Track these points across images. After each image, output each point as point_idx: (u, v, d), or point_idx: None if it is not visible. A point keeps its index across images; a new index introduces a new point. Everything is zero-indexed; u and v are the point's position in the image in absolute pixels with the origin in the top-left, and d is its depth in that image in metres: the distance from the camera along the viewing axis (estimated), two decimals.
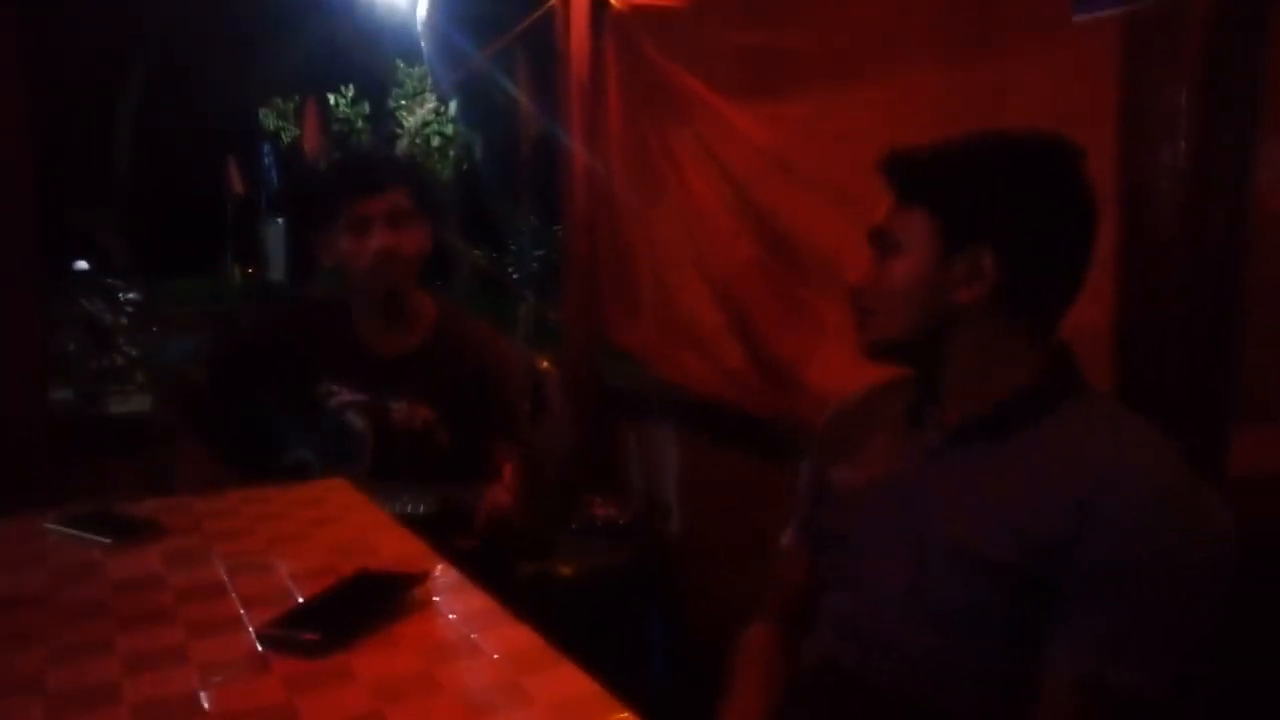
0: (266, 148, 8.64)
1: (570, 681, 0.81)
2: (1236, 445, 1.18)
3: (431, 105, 7.77)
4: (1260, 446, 1.21)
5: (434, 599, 1.00)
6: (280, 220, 8.40)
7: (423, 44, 3.53)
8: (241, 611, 0.97)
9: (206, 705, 0.77)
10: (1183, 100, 1.15)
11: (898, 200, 1.06)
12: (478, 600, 1.00)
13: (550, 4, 2.69)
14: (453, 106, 7.62)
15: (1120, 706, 0.88)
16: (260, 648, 0.88)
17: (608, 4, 2.57)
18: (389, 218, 1.67)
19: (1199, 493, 0.93)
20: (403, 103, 7.88)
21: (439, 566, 1.10)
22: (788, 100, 1.93)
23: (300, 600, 0.99)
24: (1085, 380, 1.04)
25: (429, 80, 7.56)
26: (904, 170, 1.06)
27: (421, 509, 1.53)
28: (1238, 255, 1.19)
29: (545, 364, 2.27)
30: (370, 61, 7.46)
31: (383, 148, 7.01)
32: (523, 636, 0.90)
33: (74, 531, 1.22)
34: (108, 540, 1.19)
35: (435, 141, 7.88)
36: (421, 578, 1.00)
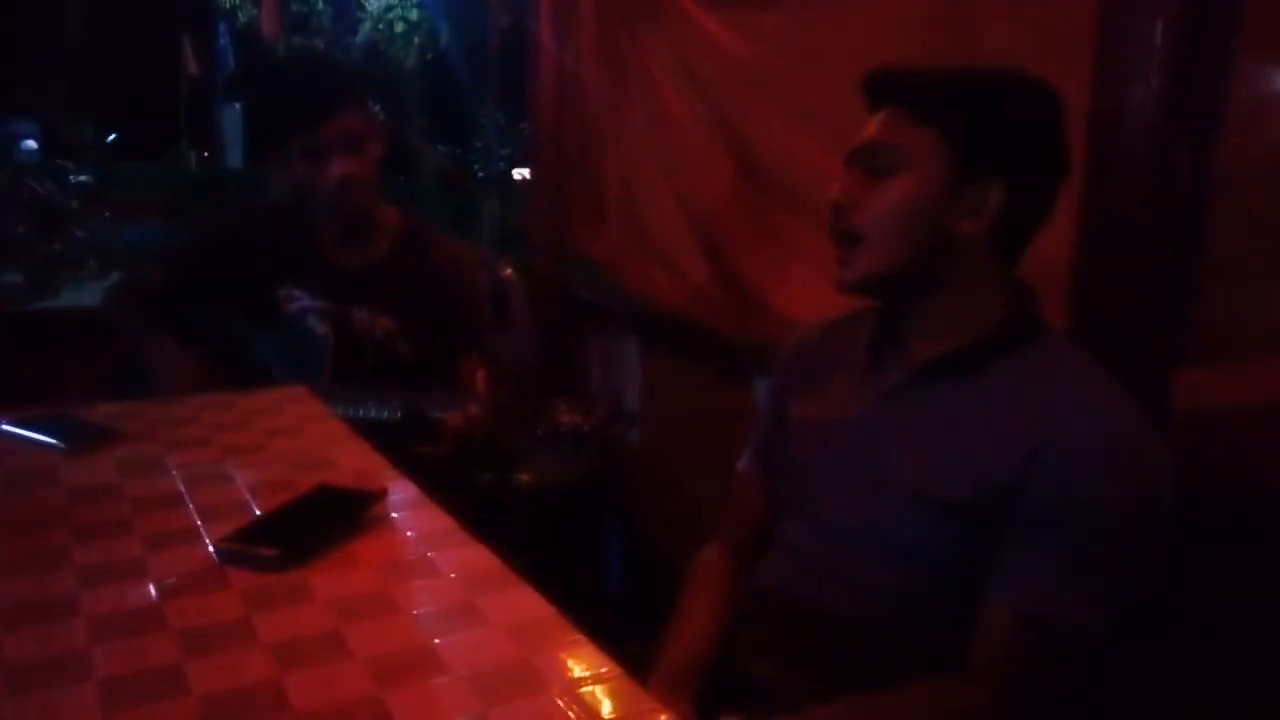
0: (223, 27, 8.30)
1: (525, 604, 0.83)
2: (1181, 384, 1.21)
3: None
4: (1205, 385, 1.24)
5: (392, 516, 1.01)
6: (236, 105, 8.12)
7: None
8: (199, 523, 0.97)
9: (166, 620, 0.78)
10: (1158, 36, 1.14)
11: (898, 117, 1.02)
12: (436, 518, 1.01)
13: None
14: None
15: (1059, 643, 0.92)
16: (219, 561, 0.88)
17: None
18: (343, 142, 1.60)
19: (1145, 440, 0.95)
20: None
21: (398, 482, 1.11)
22: (761, 10, 1.88)
23: (258, 514, 0.99)
24: (1046, 321, 1.06)
25: None
26: (911, 86, 1.03)
27: (385, 415, 1.53)
28: (1201, 196, 1.20)
29: (509, 271, 2.26)
30: None
31: (328, 57, 6.70)
32: (480, 557, 0.92)
33: (28, 434, 1.21)
34: (62, 445, 1.18)
35: (399, 28, 7.61)
36: (380, 495, 1.01)
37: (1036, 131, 1.01)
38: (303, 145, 1.61)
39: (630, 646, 0.76)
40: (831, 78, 1.18)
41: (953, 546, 0.98)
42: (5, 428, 1.23)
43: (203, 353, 1.69)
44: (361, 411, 1.52)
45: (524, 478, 2.24)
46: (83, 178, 8.11)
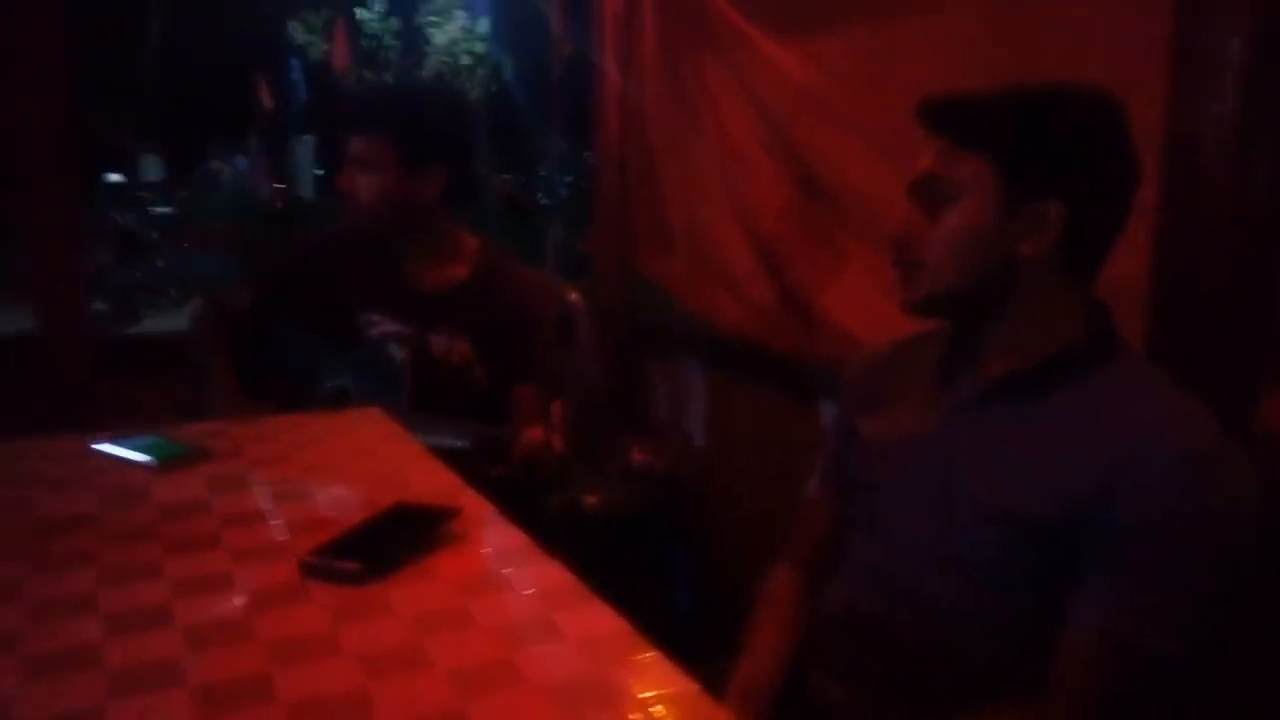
0: (295, 63, 8.56)
1: (599, 619, 0.84)
2: (1266, 403, 1.18)
3: (461, 22, 7.65)
4: None
5: (469, 533, 1.03)
6: (308, 136, 8.36)
7: None
8: (283, 539, 1.00)
9: (255, 631, 0.81)
10: (1234, 50, 1.12)
11: (950, 147, 1.02)
12: (510, 535, 1.03)
13: None
14: (483, 24, 7.50)
15: (1140, 666, 0.90)
16: (303, 575, 0.91)
17: None
18: (356, 161, 1.71)
19: (1229, 459, 0.93)
20: (432, 19, 7.75)
21: (473, 500, 1.13)
22: (826, 37, 1.89)
23: (339, 530, 1.02)
24: (1122, 339, 1.04)
25: None
26: (957, 116, 1.03)
27: (458, 443, 1.55)
28: None
29: (575, 296, 2.29)
30: None
31: (380, 87, 6.87)
32: (554, 573, 0.94)
33: (121, 452, 1.26)
34: (154, 463, 1.23)
35: (464, 60, 7.77)
36: (456, 512, 1.03)
37: (1090, 146, 0.99)
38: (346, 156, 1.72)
39: (698, 668, 0.76)
40: (896, 100, 1.18)
41: (1026, 566, 0.96)
42: (100, 447, 1.28)
43: (270, 387, 1.75)
44: (433, 439, 1.55)
45: (591, 500, 2.26)
46: (163, 208, 8.41)
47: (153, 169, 8.87)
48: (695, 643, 0.97)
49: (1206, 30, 1.16)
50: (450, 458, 1.30)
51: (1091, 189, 0.99)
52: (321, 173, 7.80)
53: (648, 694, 0.72)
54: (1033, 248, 0.99)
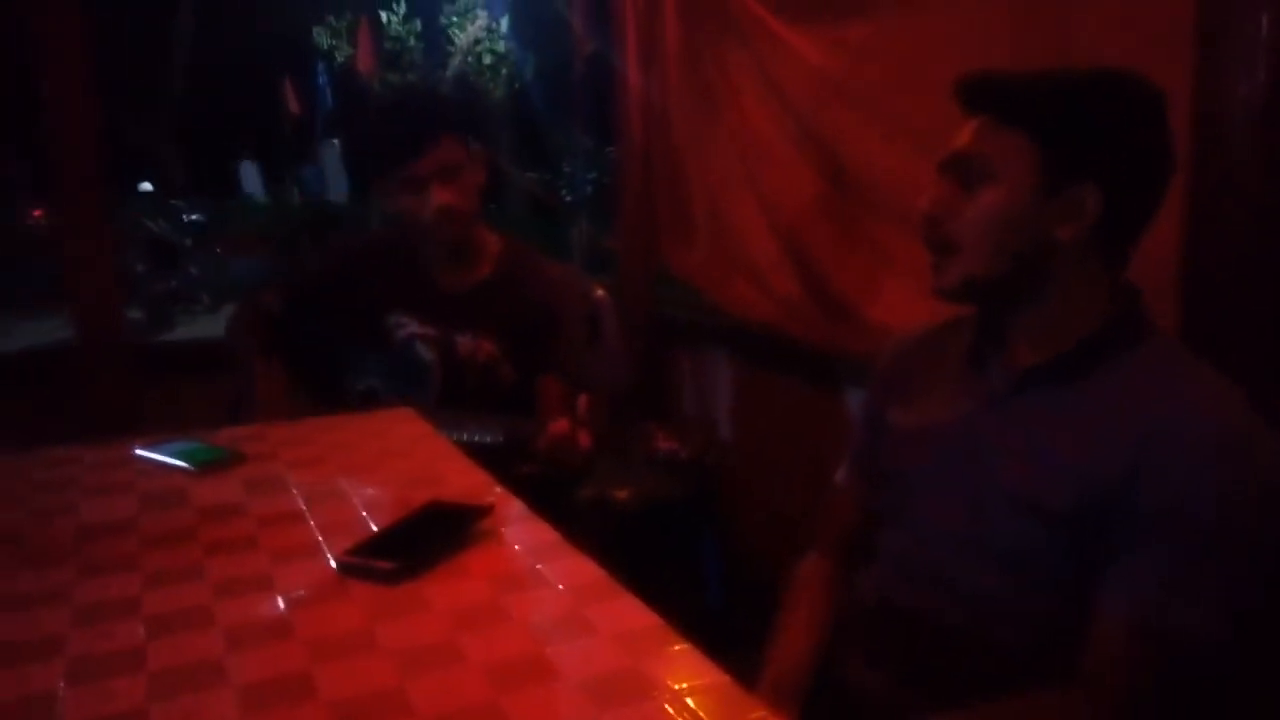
0: (320, 67, 8.64)
1: (631, 613, 0.85)
2: None
3: (483, 22, 7.69)
4: None
5: (501, 530, 1.04)
6: (335, 141, 8.44)
7: None
8: (320, 539, 1.02)
9: (294, 630, 0.82)
10: (1263, 28, 1.11)
11: (990, 124, 1.01)
12: (542, 532, 1.04)
13: None
14: (504, 23, 7.53)
15: (1174, 650, 0.89)
16: (339, 574, 0.93)
17: None
18: (440, 174, 1.66)
19: (1260, 439, 0.92)
20: (454, 20, 7.79)
21: (504, 497, 1.14)
22: (849, 24, 1.88)
23: (375, 529, 1.04)
24: (1153, 323, 1.03)
25: None
26: (1000, 93, 1.01)
27: (488, 439, 1.57)
28: None
29: (601, 292, 2.29)
30: None
31: (423, 93, 6.90)
32: (586, 568, 0.94)
33: (159, 458, 1.29)
34: (191, 467, 1.25)
35: (487, 59, 7.81)
36: (489, 509, 1.04)
37: (1131, 132, 0.98)
38: (403, 178, 1.67)
39: (730, 659, 0.77)
40: (923, 85, 1.18)
41: (1058, 553, 0.96)
42: (139, 452, 1.31)
43: (298, 384, 1.76)
44: (464, 435, 1.57)
45: (621, 495, 2.27)
46: (195, 216, 8.53)
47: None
48: (726, 634, 0.98)
49: (1234, 9, 1.14)
50: (479, 455, 1.31)
51: (1130, 175, 0.98)
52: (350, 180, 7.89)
53: (680, 685, 0.73)
54: (1070, 232, 0.98)
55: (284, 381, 1.77)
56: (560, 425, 1.55)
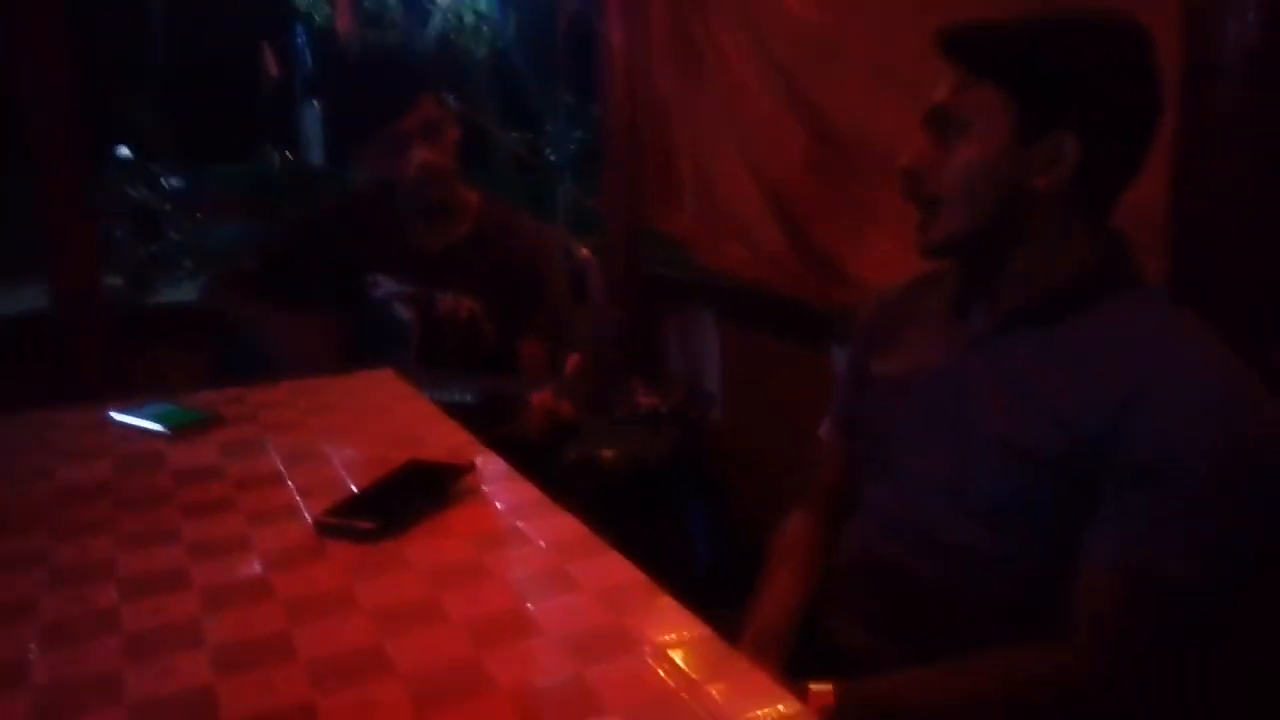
0: (299, 28, 8.50)
1: (614, 568, 0.84)
2: None
3: None
4: None
5: (482, 488, 1.03)
6: (315, 103, 8.33)
7: None
8: (298, 500, 1.01)
9: (272, 591, 0.81)
10: None
11: (964, 76, 0.99)
12: (524, 490, 1.03)
13: None
14: None
15: (1160, 599, 0.88)
16: (318, 535, 0.92)
17: None
18: (421, 132, 1.65)
19: (1246, 390, 0.91)
20: None
21: (485, 456, 1.13)
22: None
23: (354, 489, 1.02)
24: (1139, 271, 1.02)
25: None
26: (972, 44, 1.00)
27: (468, 398, 1.56)
28: None
29: (586, 251, 2.27)
30: None
31: (399, 52, 6.81)
32: (568, 525, 0.93)
33: (135, 421, 1.27)
34: (168, 431, 1.23)
35: (468, 18, 7.69)
36: (469, 467, 1.03)
37: (1108, 78, 0.96)
38: (383, 138, 1.65)
39: (716, 616, 0.76)
40: (906, 35, 1.15)
41: (1043, 502, 0.95)
42: (115, 416, 1.29)
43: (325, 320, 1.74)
44: (444, 394, 1.55)
45: (607, 454, 2.26)
46: (174, 181, 8.41)
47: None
48: (714, 593, 0.97)
49: None
50: (461, 415, 1.30)
51: (1109, 121, 0.96)
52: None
53: (663, 639, 0.72)
54: (1047, 181, 0.97)
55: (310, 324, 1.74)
56: (543, 398, 1.55)
